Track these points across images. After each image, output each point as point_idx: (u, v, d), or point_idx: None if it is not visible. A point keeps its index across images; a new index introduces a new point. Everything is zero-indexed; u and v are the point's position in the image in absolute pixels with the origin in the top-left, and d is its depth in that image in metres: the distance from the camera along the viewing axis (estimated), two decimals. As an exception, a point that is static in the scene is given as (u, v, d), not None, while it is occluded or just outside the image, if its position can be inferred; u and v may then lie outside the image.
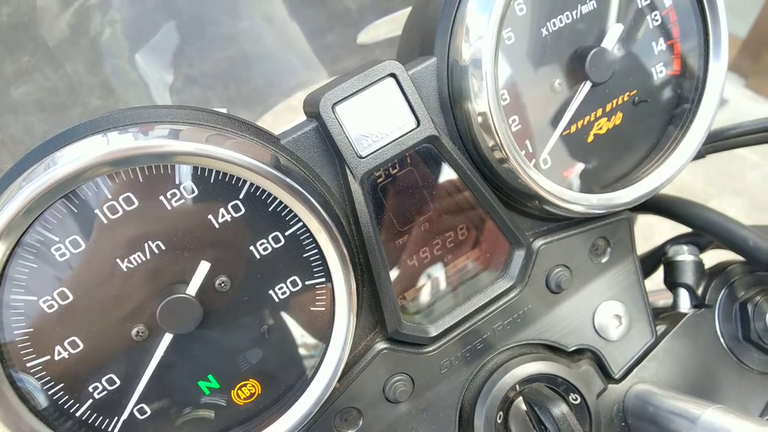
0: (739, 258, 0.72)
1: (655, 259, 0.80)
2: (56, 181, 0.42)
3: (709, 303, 0.72)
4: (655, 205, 0.75)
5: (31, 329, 0.47)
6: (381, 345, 0.60)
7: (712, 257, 0.80)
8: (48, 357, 0.48)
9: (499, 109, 0.54)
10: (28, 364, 0.48)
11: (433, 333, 0.60)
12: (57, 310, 0.48)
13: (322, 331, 0.56)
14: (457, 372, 0.63)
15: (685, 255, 0.75)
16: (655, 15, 0.62)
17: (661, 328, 0.72)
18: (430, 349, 0.61)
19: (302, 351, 0.56)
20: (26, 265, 0.46)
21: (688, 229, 0.77)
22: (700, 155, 0.74)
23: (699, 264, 0.75)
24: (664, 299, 0.83)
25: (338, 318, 0.54)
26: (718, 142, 0.72)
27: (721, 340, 0.71)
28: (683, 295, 0.75)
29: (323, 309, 0.55)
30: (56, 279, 0.47)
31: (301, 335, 0.56)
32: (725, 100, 3.91)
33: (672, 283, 0.76)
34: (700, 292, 0.73)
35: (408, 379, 0.61)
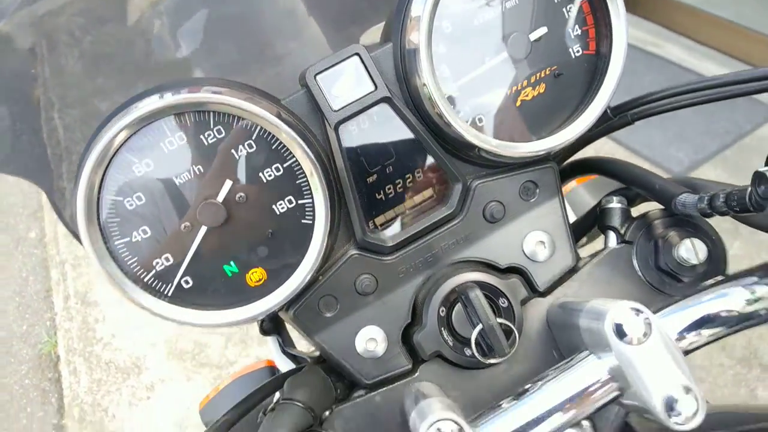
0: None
1: (595, 213, 0.97)
2: (140, 115, 0.68)
3: (629, 240, 0.89)
4: (589, 165, 0.92)
5: (119, 219, 0.74)
6: (353, 251, 0.82)
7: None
8: (128, 239, 0.75)
9: (435, 83, 0.75)
10: (116, 242, 0.75)
11: (390, 243, 0.82)
12: (135, 208, 0.73)
13: (309, 236, 0.79)
14: (411, 277, 0.84)
15: (614, 203, 0.92)
16: (570, 8, 0.80)
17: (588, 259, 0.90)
18: (390, 257, 0.83)
19: (294, 250, 0.79)
20: (116, 176, 0.72)
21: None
22: (627, 122, 0.90)
23: (626, 210, 0.92)
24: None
25: (317, 226, 0.77)
26: (641, 107, 0.88)
27: (636, 268, 0.86)
28: (611, 236, 0.91)
29: (310, 222, 0.78)
30: (134, 186, 0.73)
31: (294, 239, 0.79)
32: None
33: (603, 226, 0.93)
34: (623, 231, 0.90)
35: (372, 278, 0.82)
